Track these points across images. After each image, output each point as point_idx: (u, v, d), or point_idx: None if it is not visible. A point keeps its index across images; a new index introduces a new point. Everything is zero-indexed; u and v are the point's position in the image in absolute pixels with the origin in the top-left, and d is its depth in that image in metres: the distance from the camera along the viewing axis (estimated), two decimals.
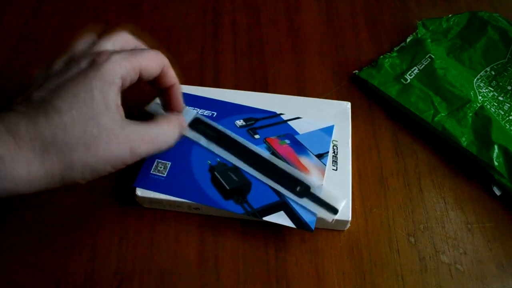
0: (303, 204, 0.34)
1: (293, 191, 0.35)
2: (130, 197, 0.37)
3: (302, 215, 0.34)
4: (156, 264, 0.35)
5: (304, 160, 0.37)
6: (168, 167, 0.36)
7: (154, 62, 0.32)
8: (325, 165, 0.37)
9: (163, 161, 0.37)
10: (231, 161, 0.37)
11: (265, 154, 0.37)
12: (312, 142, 0.38)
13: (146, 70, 0.31)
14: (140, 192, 0.35)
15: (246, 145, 0.38)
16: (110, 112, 0.28)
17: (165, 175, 0.36)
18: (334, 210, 0.34)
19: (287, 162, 0.37)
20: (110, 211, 0.37)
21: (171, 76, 0.34)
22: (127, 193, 0.37)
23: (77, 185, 0.38)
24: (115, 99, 0.29)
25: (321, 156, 0.37)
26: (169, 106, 0.36)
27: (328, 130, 0.39)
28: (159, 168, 0.36)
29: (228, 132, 0.38)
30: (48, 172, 0.27)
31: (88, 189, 0.38)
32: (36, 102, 0.27)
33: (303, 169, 0.36)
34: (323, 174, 0.36)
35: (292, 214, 0.34)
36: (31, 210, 0.37)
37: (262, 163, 0.37)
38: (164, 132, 0.32)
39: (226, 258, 0.35)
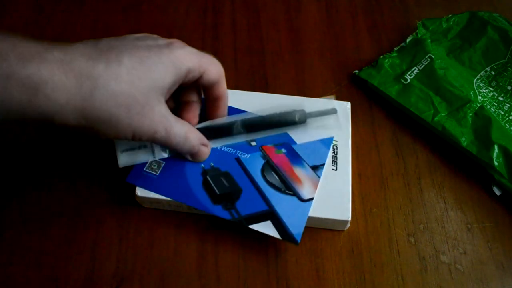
0: (310, 126, 0.37)
1: (294, 122, 0.37)
2: (130, 197, 0.37)
3: (289, 227, 0.34)
4: (156, 264, 0.35)
5: (298, 171, 0.37)
6: (162, 166, 0.36)
7: (215, 68, 0.33)
8: (319, 178, 0.36)
9: (157, 160, 0.37)
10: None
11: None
12: (309, 153, 0.38)
13: (207, 74, 0.32)
14: (140, 192, 0.35)
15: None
16: (161, 91, 0.30)
17: (157, 174, 0.36)
18: (332, 111, 0.38)
19: (279, 172, 0.37)
20: (110, 211, 0.37)
21: (224, 88, 0.35)
22: (127, 193, 0.37)
23: (77, 185, 0.38)
24: (171, 84, 0.30)
25: (316, 168, 0.37)
26: (211, 117, 0.37)
27: (327, 142, 0.38)
28: (152, 166, 0.36)
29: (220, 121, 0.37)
30: (84, 112, 0.27)
31: (88, 189, 0.38)
32: (104, 48, 0.28)
33: (296, 180, 0.36)
34: (316, 186, 0.36)
35: (279, 224, 0.34)
36: (31, 210, 0.37)
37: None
38: (184, 134, 0.33)
39: (226, 258, 0.35)
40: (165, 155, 0.36)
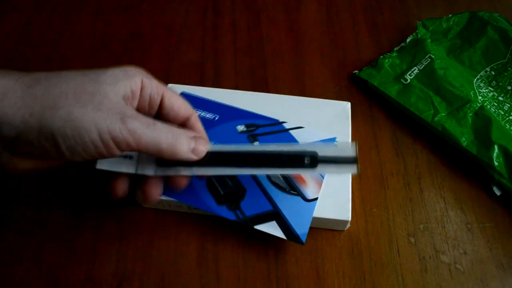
0: (321, 172, 0.32)
1: (302, 165, 0.31)
2: (130, 197, 0.37)
3: (294, 227, 0.34)
4: (156, 264, 0.35)
5: None
6: None
7: (180, 101, 0.31)
8: (323, 178, 0.36)
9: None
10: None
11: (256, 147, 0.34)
12: None
13: (170, 102, 0.30)
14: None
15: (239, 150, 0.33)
16: (114, 87, 0.27)
17: None
18: (351, 159, 0.31)
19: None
20: (110, 211, 0.37)
21: (200, 130, 0.32)
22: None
23: (77, 185, 0.38)
24: (126, 87, 0.28)
25: None
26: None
27: (329, 143, 0.39)
28: None
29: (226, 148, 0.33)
30: (28, 105, 0.24)
31: (88, 188, 0.38)
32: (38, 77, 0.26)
33: (300, 180, 0.36)
34: (320, 186, 0.36)
35: (284, 225, 0.34)
36: (31, 210, 0.37)
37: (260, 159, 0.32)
38: (174, 133, 0.29)
39: (226, 258, 0.35)
40: (149, 172, 0.31)
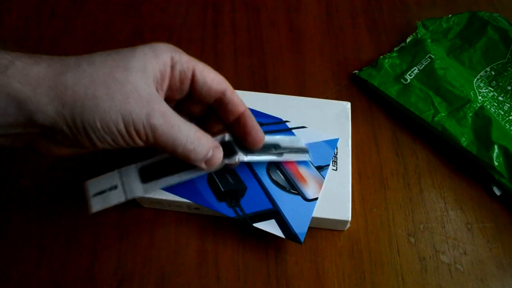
0: (286, 159, 0.36)
1: (271, 153, 0.35)
2: None
3: (293, 226, 0.34)
4: (156, 264, 0.35)
5: (303, 171, 0.37)
6: None
7: (213, 74, 0.30)
8: (324, 178, 0.36)
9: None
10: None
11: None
12: (314, 153, 0.38)
13: (202, 76, 0.30)
14: None
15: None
16: (143, 74, 0.27)
17: None
18: (305, 150, 0.37)
19: (285, 171, 0.36)
20: (110, 211, 0.37)
21: (238, 103, 0.31)
22: None
23: (77, 185, 0.38)
24: (155, 70, 0.28)
25: (321, 169, 0.37)
26: (246, 141, 0.33)
27: (332, 143, 0.39)
28: None
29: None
30: (58, 94, 0.25)
31: None
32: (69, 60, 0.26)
33: (301, 179, 0.36)
34: (320, 187, 0.36)
35: (283, 223, 0.34)
36: (31, 210, 0.37)
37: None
38: (196, 140, 0.29)
39: (226, 258, 0.35)
40: (138, 193, 0.32)
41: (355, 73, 0.46)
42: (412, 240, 0.37)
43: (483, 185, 0.40)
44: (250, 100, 0.41)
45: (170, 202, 0.36)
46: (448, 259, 0.36)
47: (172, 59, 0.29)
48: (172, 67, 0.29)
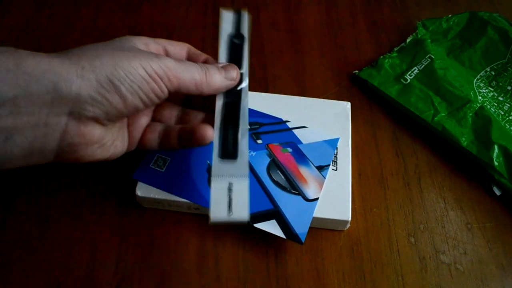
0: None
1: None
2: (130, 197, 0.37)
3: (294, 226, 0.34)
4: (156, 264, 0.35)
5: (303, 171, 0.37)
6: (168, 163, 0.36)
7: (178, 45, 0.35)
8: (325, 178, 0.36)
9: (163, 156, 0.37)
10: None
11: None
12: (315, 153, 0.38)
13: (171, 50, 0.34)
14: (140, 192, 0.35)
15: None
16: (139, 48, 0.31)
17: (163, 171, 0.36)
18: None
19: (286, 171, 0.37)
20: (110, 212, 0.37)
21: (200, 52, 0.36)
22: (127, 193, 0.37)
23: (78, 185, 0.38)
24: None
25: (321, 168, 0.37)
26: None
27: (333, 143, 0.39)
28: (158, 163, 0.36)
29: None
30: (76, 63, 0.26)
31: (88, 189, 0.38)
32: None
33: (302, 179, 0.36)
34: (321, 186, 0.36)
35: (284, 224, 0.34)
36: (31, 210, 0.37)
37: None
38: (203, 66, 0.31)
39: (226, 258, 0.35)
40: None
41: (355, 73, 0.46)
42: (412, 240, 0.37)
43: (483, 185, 0.40)
44: (250, 100, 0.41)
45: (170, 202, 0.36)
46: (448, 259, 0.36)
47: (147, 45, 0.32)
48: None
